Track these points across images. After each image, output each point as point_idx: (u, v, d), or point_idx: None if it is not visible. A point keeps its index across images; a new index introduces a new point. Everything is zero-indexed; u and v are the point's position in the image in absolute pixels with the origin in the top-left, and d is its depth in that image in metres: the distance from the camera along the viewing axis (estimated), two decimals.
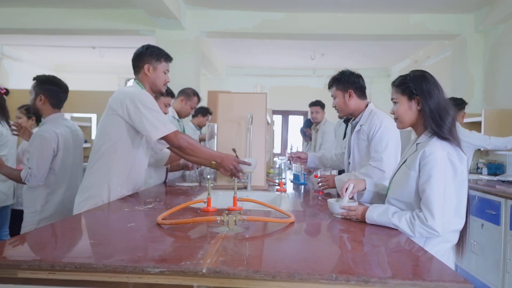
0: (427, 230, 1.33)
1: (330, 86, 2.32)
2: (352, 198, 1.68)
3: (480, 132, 4.08)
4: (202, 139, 3.85)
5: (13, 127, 2.46)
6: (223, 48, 7.20)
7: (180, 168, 2.86)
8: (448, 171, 1.39)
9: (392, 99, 1.58)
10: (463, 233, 1.51)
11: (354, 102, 2.26)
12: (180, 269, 0.92)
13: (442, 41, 5.76)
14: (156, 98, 2.26)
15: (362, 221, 1.47)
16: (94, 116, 5.77)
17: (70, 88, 2.40)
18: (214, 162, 2.06)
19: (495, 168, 4.22)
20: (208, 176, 2.53)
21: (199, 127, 4.22)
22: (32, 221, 2.21)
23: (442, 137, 1.43)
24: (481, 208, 3.23)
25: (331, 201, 1.60)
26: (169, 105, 2.83)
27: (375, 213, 1.42)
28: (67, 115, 4.36)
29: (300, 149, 4.40)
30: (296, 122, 9.55)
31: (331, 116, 4.39)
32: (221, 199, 2.12)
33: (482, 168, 4.28)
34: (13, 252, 1.06)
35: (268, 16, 5.14)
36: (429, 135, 1.47)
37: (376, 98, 8.05)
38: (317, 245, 1.22)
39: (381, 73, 8.74)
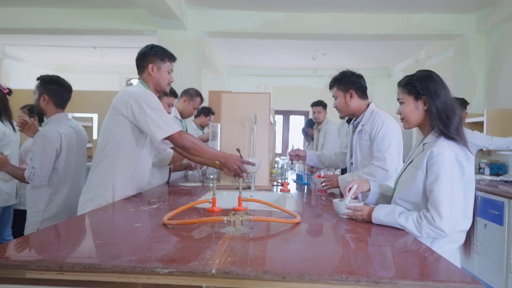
0: (434, 230, 1.33)
1: (331, 86, 2.32)
2: (356, 198, 1.68)
3: (482, 132, 4.08)
4: (204, 139, 3.84)
5: (18, 124, 2.47)
6: (224, 48, 7.20)
7: (183, 168, 2.86)
8: (455, 171, 1.38)
9: (398, 99, 1.57)
10: (470, 233, 1.51)
11: (355, 102, 2.25)
12: (189, 270, 0.92)
13: (444, 41, 5.75)
14: (160, 98, 2.26)
15: (367, 221, 1.46)
16: (95, 116, 5.76)
17: None
18: (218, 162, 2.06)
19: (498, 168, 4.22)
20: (211, 176, 2.53)
21: (202, 127, 4.22)
22: (35, 221, 2.21)
23: (449, 137, 1.42)
24: (484, 208, 3.22)
25: (336, 201, 1.59)
26: (172, 105, 2.83)
27: (382, 213, 1.41)
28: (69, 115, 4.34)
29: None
30: (297, 122, 9.56)
31: (332, 116, 4.39)
32: (225, 199, 2.11)
33: (484, 168, 4.28)
34: (21, 253, 1.06)
35: (269, 16, 5.14)
36: (436, 135, 1.47)
37: (377, 98, 8.09)
38: (324, 246, 1.22)
39: (382, 73, 8.74)
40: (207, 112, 4.21)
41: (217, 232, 1.28)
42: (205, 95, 4.79)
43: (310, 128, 5.12)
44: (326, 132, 4.49)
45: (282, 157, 5.25)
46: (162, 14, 4.54)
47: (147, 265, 0.93)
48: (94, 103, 5.67)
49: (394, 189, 1.61)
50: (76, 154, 2.32)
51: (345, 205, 1.53)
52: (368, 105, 2.28)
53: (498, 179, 3.77)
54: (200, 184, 2.58)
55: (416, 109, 1.51)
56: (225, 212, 1.57)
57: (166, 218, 1.36)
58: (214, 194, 1.65)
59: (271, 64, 8.64)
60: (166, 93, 2.31)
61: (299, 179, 2.78)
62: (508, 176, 3.80)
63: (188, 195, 2.13)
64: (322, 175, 2.36)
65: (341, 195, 2.08)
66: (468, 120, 4.11)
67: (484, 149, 4.12)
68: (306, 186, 2.63)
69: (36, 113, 3.08)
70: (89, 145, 4.63)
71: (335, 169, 2.69)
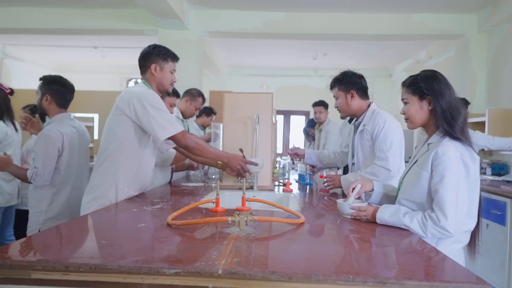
0: (439, 230, 1.33)
1: (332, 86, 2.32)
2: (359, 198, 1.68)
3: (484, 132, 4.08)
4: (205, 139, 3.84)
5: (22, 120, 2.47)
6: (225, 48, 7.20)
7: (185, 168, 2.86)
8: (461, 172, 1.38)
9: (402, 99, 1.57)
10: (474, 233, 1.50)
11: (356, 102, 2.25)
12: (195, 270, 0.91)
13: (445, 41, 5.75)
14: (162, 98, 2.26)
15: (371, 221, 1.46)
16: (96, 116, 5.77)
17: None
18: (221, 162, 2.05)
19: (499, 168, 4.21)
20: (214, 176, 2.53)
21: (203, 127, 4.21)
22: (38, 221, 2.20)
23: (454, 137, 1.42)
24: (486, 208, 3.22)
25: (340, 201, 1.59)
26: (174, 105, 2.83)
27: (386, 213, 1.41)
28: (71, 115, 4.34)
29: None
30: (298, 122, 9.55)
31: (332, 116, 4.39)
32: (227, 199, 2.11)
33: (486, 168, 4.28)
34: (27, 253, 1.05)
35: (270, 16, 5.14)
36: (441, 135, 1.47)
37: (378, 98, 8.09)
38: (329, 246, 1.21)
39: (383, 73, 8.73)
40: (208, 112, 4.21)
41: (221, 232, 1.28)
42: (206, 95, 4.78)
43: (312, 128, 5.11)
44: (328, 132, 4.49)
45: (283, 157, 5.25)
46: (163, 14, 4.53)
47: (153, 265, 0.93)
48: (94, 103, 5.68)
49: (398, 189, 1.61)
50: (78, 154, 2.32)
51: (349, 205, 1.53)
52: (369, 105, 2.28)
53: (500, 179, 3.77)
54: (202, 184, 2.58)
55: (420, 109, 1.51)
56: (229, 212, 1.57)
57: (170, 218, 1.36)
58: (217, 194, 1.65)
59: (271, 64, 8.63)
60: (168, 93, 2.31)
61: (301, 179, 2.78)
62: (510, 176, 3.80)
63: (191, 195, 2.12)
64: (325, 175, 2.36)
65: (343, 195, 2.08)
66: (469, 120, 4.11)
67: (485, 149, 4.12)
68: (308, 186, 2.63)
69: (38, 113, 3.08)
70: (90, 145, 4.64)
71: (338, 169, 2.69)
